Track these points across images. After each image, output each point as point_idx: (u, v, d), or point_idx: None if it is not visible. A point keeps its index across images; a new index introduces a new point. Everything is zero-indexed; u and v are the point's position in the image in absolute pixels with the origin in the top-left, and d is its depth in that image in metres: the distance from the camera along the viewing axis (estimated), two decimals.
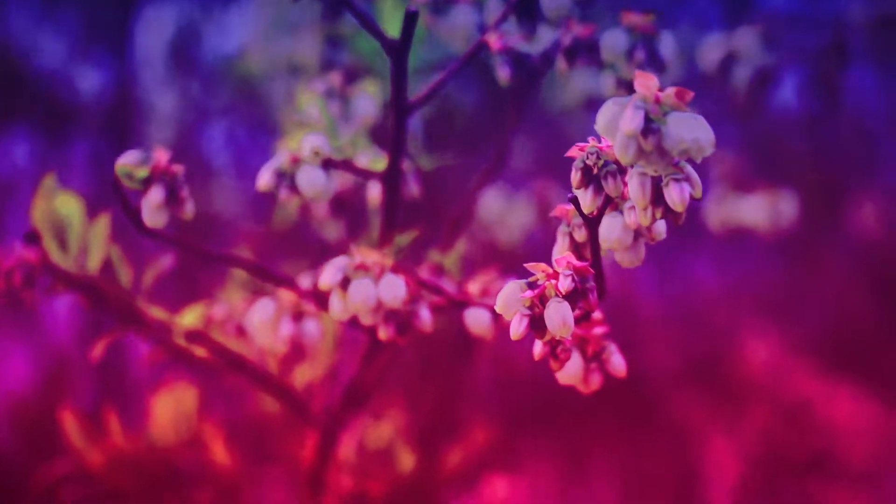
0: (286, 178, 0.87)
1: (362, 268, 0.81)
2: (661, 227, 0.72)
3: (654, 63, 0.92)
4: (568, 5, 0.91)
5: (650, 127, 0.63)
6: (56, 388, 1.61)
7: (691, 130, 0.62)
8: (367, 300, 0.80)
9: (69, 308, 1.67)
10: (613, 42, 0.93)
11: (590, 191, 0.68)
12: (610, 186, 0.67)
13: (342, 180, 1.01)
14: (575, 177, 0.68)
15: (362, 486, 1.11)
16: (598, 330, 0.77)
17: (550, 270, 0.69)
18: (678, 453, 1.69)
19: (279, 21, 1.60)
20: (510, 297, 0.69)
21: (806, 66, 1.48)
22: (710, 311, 1.86)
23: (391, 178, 0.88)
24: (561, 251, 0.75)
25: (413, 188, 0.96)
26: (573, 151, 0.68)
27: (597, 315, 0.77)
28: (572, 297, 0.68)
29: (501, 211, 1.49)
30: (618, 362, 0.76)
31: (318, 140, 0.86)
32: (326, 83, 1.05)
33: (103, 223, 0.91)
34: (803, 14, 1.58)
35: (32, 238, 0.89)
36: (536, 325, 0.68)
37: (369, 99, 1.05)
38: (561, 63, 0.94)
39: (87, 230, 0.91)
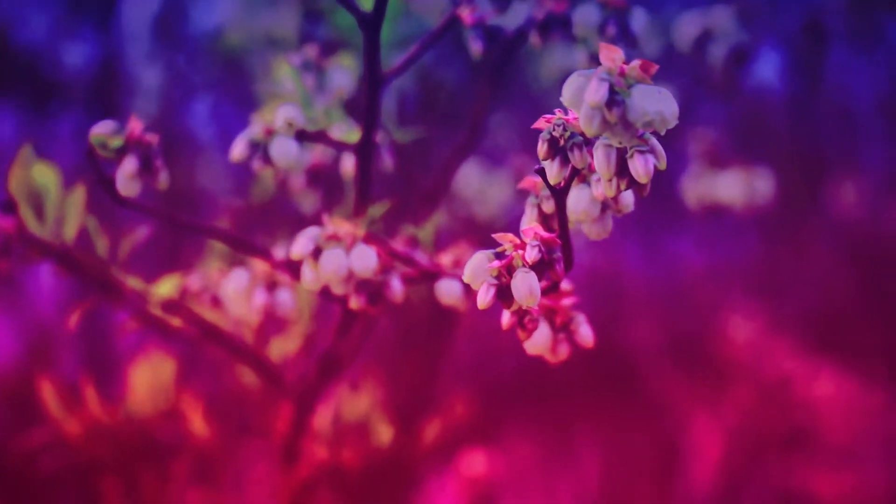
0: (259, 148, 0.87)
1: (334, 238, 0.82)
2: (628, 199, 0.72)
3: (626, 38, 0.92)
4: None
5: (614, 99, 0.63)
6: (36, 359, 1.61)
7: (655, 103, 0.63)
8: (338, 270, 0.81)
9: (50, 278, 1.67)
10: (586, 17, 0.93)
11: (556, 162, 0.68)
12: (576, 158, 0.68)
13: (318, 152, 1.02)
14: (541, 148, 0.68)
15: (338, 458, 1.12)
16: (567, 301, 0.77)
17: (518, 241, 0.70)
18: (660, 429, 1.71)
19: None
20: (478, 267, 0.69)
21: (785, 47, 1.48)
22: (694, 289, 1.87)
23: (364, 150, 0.89)
24: (529, 222, 0.75)
25: (387, 160, 0.96)
26: (540, 123, 0.68)
27: (566, 286, 0.77)
28: (539, 268, 0.69)
29: (481, 186, 1.49)
30: (585, 333, 0.77)
31: (292, 111, 0.87)
32: (303, 56, 1.05)
33: (79, 193, 0.91)
34: None
35: (8, 206, 0.90)
36: (503, 294, 0.69)
37: (345, 72, 1.06)
38: (534, 38, 0.94)
39: (64, 199, 0.91)
